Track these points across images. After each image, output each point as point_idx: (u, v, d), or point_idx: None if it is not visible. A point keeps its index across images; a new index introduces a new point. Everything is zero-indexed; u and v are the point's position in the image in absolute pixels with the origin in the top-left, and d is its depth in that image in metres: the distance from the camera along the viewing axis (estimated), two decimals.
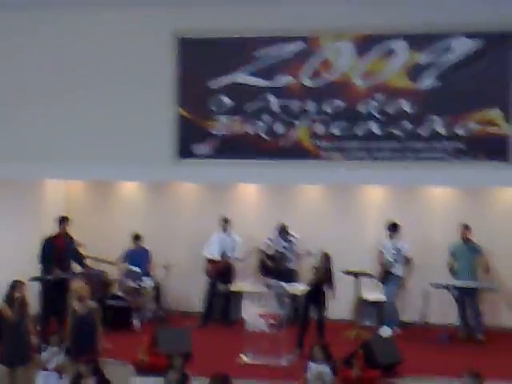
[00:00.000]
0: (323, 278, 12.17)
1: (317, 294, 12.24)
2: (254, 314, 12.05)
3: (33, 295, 12.13)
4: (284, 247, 14.00)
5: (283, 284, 12.69)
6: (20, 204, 13.94)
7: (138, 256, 14.40)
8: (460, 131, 12.01)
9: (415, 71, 12.07)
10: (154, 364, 11.03)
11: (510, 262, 13.62)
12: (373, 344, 11.50)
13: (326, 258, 12.29)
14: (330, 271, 12.26)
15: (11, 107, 13.02)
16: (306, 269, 13.21)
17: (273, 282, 12.77)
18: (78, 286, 12.08)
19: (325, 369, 10.28)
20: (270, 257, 14.12)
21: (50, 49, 12.88)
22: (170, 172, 13.02)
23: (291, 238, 14.08)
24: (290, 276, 13.86)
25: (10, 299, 10.97)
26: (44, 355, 10.67)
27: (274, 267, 14.01)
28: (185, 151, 12.85)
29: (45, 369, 10.61)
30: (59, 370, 10.62)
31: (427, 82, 12.06)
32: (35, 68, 12.93)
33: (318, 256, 12.41)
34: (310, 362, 10.30)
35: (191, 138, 12.82)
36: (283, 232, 14.05)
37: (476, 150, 11.98)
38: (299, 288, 13.14)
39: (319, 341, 11.27)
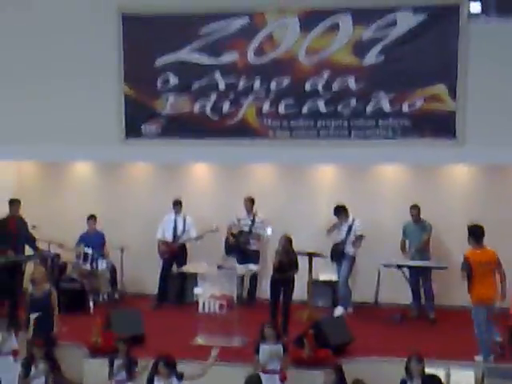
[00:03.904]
0: (284, 260, 11.94)
1: (281, 277, 11.98)
2: (206, 296, 11.94)
3: None
4: (248, 226, 13.76)
5: (235, 265, 12.56)
6: None
7: (93, 239, 14.19)
8: (405, 108, 11.90)
9: (360, 47, 11.97)
10: (106, 345, 10.93)
11: (460, 239, 13.51)
12: (324, 324, 11.48)
13: (286, 241, 12.09)
14: (292, 254, 12.04)
15: None
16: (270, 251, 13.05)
17: (225, 262, 12.65)
18: (33, 269, 12.02)
19: (278, 347, 10.20)
20: (233, 235, 13.91)
21: None
22: (118, 152, 12.99)
23: (256, 219, 13.82)
24: (251, 256, 13.67)
25: None
26: None
27: (235, 246, 13.82)
28: (132, 131, 12.75)
29: None
30: (14, 354, 10.45)
31: (372, 57, 11.95)
32: None
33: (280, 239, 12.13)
34: (262, 344, 10.20)
35: (138, 118, 12.74)
36: (249, 206, 13.77)
37: (422, 127, 11.89)
38: (252, 269, 13.01)
39: (269, 321, 11.14)
